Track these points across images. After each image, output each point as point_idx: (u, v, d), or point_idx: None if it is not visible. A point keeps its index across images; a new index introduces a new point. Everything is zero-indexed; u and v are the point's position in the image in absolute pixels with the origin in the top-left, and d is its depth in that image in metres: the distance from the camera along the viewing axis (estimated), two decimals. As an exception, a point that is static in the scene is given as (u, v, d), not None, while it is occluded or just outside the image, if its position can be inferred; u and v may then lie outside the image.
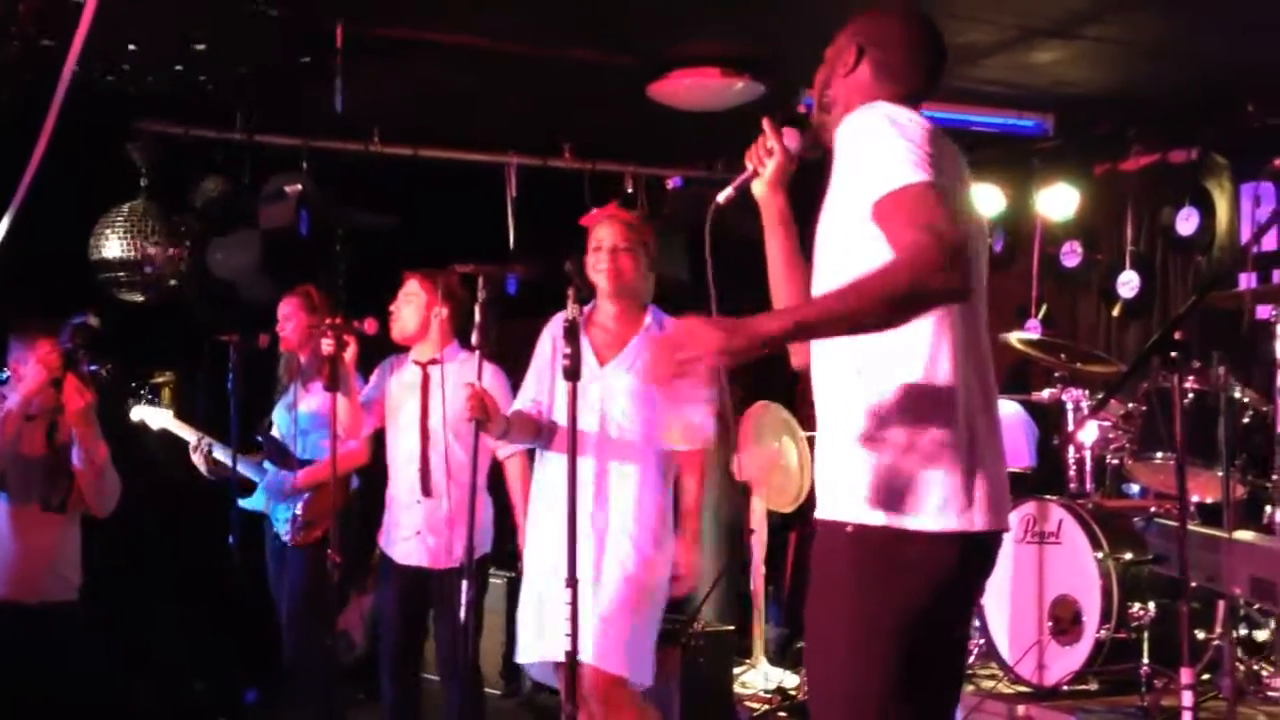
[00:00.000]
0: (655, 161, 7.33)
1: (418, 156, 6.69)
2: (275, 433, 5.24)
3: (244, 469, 5.18)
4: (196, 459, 5.26)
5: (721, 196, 2.63)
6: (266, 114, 6.25)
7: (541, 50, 5.49)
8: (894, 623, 2.28)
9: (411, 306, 4.63)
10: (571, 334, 3.42)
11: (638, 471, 3.78)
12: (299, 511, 5.05)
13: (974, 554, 2.34)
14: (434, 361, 4.58)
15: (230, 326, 5.15)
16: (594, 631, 3.63)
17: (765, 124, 2.64)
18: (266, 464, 5.23)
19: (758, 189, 2.63)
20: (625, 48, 5.52)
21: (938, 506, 2.28)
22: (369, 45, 5.25)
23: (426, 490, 4.52)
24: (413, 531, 4.55)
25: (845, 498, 2.35)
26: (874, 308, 2.14)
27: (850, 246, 2.32)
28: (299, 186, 6.04)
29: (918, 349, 2.32)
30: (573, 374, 3.42)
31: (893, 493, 2.30)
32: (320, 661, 4.92)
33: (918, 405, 2.30)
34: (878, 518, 2.30)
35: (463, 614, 3.80)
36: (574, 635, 3.31)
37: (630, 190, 7.29)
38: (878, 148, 2.26)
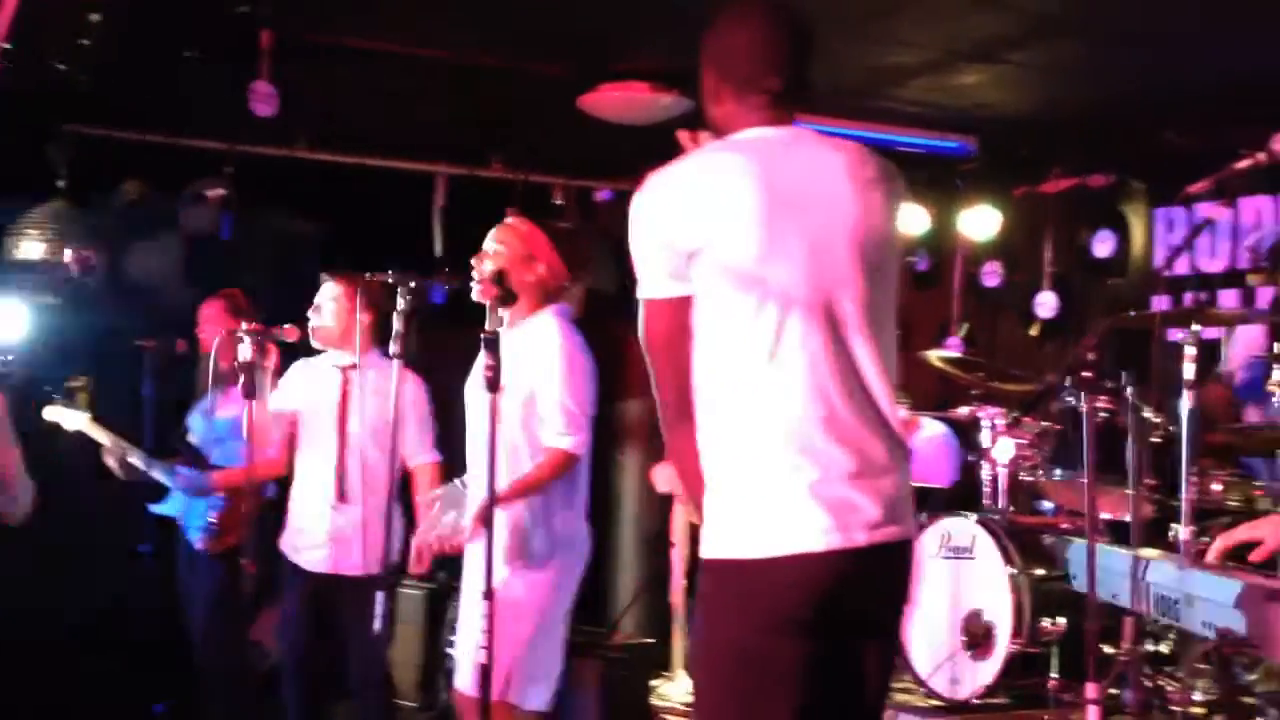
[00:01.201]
0: (585, 173, 7.35)
1: (345, 163, 6.65)
2: (192, 438, 5.18)
3: (158, 475, 5.12)
4: (111, 463, 5.18)
5: None
6: (191, 116, 6.17)
7: (473, 60, 5.49)
8: (738, 650, 2.32)
9: (332, 309, 4.60)
10: (492, 345, 3.40)
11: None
12: (213, 519, 5.00)
13: (824, 574, 2.30)
14: (354, 367, 4.55)
15: (148, 331, 5.09)
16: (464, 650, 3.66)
17: (681, 137, 2.66)
18: (180, 470, 5.17)
19: None
20: (557, 60, 5.54)
21: (766, 532, 2.31)
22: (297, 50, 5.21)
23: (343, 496, 4.49)
24: (326, 538, 4.51)
25: (703, 531, 2.42)
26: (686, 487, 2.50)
27: None
28: (222, 190, 5.98)
29: (715, 382, 2.38)
30: (493, 385, 3.40)
31: (725, 523, 2.36)
32: (232, 670, 4.87)
33: (744, 433, 2.35)
34: (717, 550, 2.36)
35: (378, 625, 3.76)
36: (489, 648, 3.30)
37: (560, 202, 7.29)
38: (630, 243, 2.45)
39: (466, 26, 5.18)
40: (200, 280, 5.83)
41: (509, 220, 3.92)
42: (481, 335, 3.43)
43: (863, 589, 2.37)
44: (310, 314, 4.62)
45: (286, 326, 4.62)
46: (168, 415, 5.18)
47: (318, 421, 4.59)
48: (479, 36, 5.30)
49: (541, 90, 5.77)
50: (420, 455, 4.61)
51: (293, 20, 5.06)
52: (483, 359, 3.40)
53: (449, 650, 5.37)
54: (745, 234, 2.33)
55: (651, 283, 2.41)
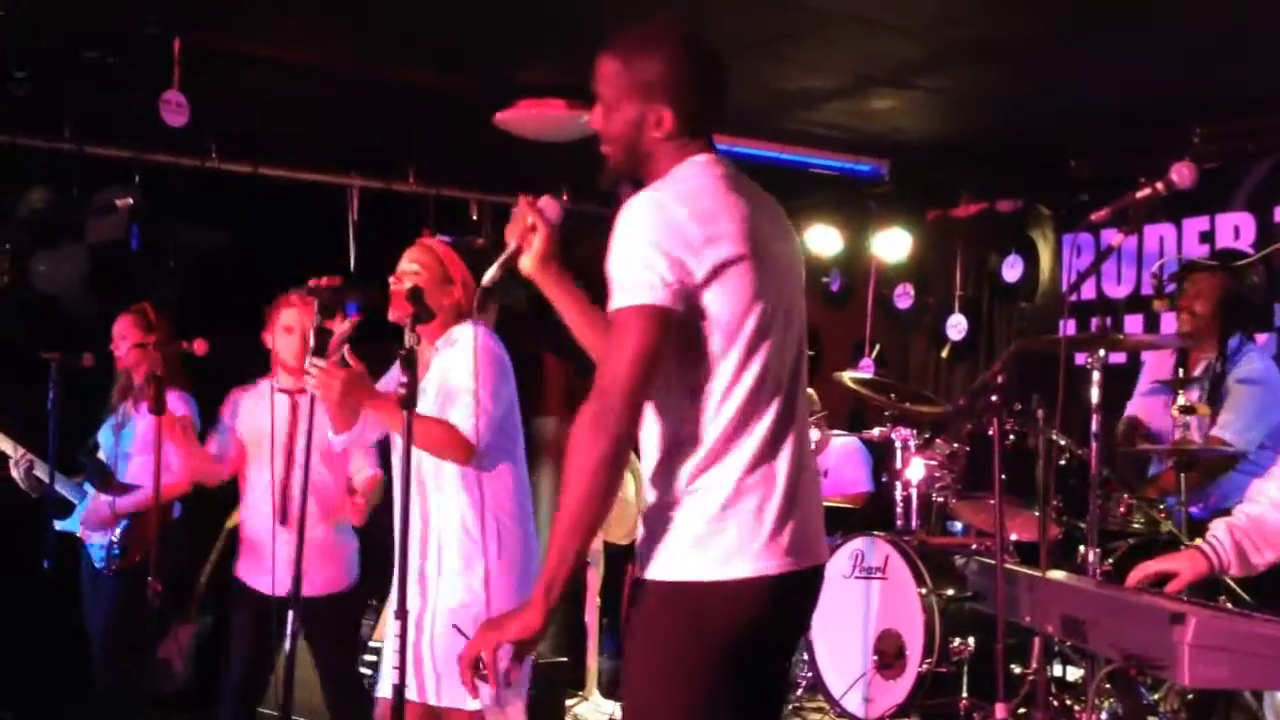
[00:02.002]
0: (500, 189, 7.32)
1: (257, 174, 6.56)
2: (101, 454, 5.08)
3: (63, 490, 5.00)
4: (16, 474, 5.04)
5: (487, 278, 2.66)
6: (98, 124, 6.05)
7: (388, 73, 5.45)
8: (697, 670, 2.33)
9: (296, 334, 4.53)
10: (408, 362, 3.36)
11: (438, 500, 3.71)
12: (116, 538, 4.90)
13: (774, 596, 2.36)
14: (301, 390, 4.48)
15: (53, 343, 4.97)
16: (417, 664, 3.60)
17: (522, 202, 2.64)
18: (87, 486, 5.06)
19: (525, 265, 2.63)
20: (472, 75, 5.52)
21: (729, 554, 2.33)
22: (210, 59, 5.13)
23: (285, 519, 4.46)
24: (280, 561, 4.45)
25: (653, 553, 2.41)
26: (584, 511, 2.30)
27: None
28: (130, 200, 5.86)
29: (692, 406, 2.37)
30: (409, 402, 3.37)
31: (685, 544, 2.36)
32: (133, 691, 4.77)
33: (700, 456, 2.36)
34: (677, 572, 2.36)
35: (287, 644, 3.69)
36: (401, 668, 3.25)
37: (475, 217, 7.27)
38: (620, 253, 2.33)
39: (381, 40, 5.15)
40: (107, 291, 5.70)
41: (424, 240, 3.89)
42: (397, 353, 3.40)
43: (793, 610, 2.46)
44: (284, 340, 4.53)
45: (195, 339, 4.55)
46: (72, 430, 5.05)
47: (266, 447, 4.52)
48: (394, 51, 5.26)
49: (456, 105, 5.75)
50: (365, 470, 4.59)
51: (205, 29, 4.98)
52: (397, 376, 3.37)
53: (363, 670, 5.32)
54: (752, 261, 2.35)
55: (651, 289, 2.27)
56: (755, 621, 2.36)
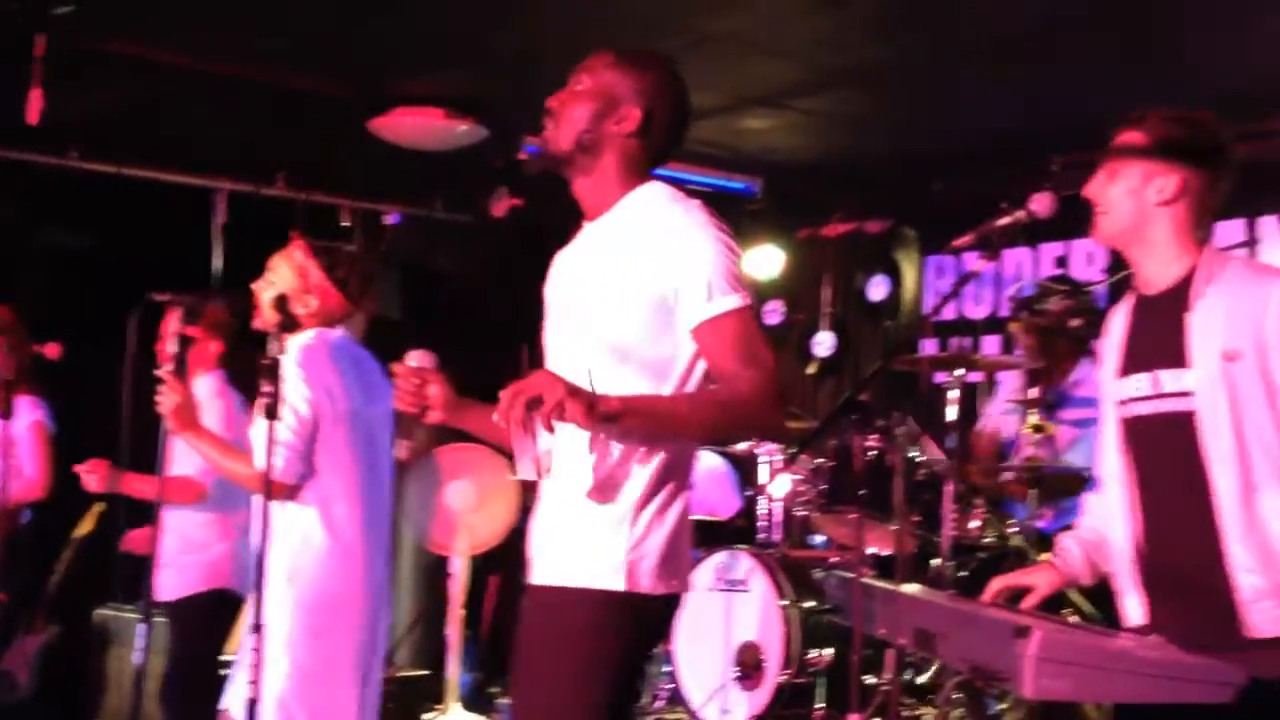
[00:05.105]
0: (373, 196, 7.25)
1: (120, 175, 6.39)
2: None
3: None
4: None
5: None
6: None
7: (259, 75, 5.37)
8: (619, 674, 2.40)
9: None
10: (271, 372, 3.31)
11: (281, 516, 3.61)
12: (-42, 543, 4.75)
13: (658, 617, 2.45)
14: None
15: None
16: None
17: (401, 371, 2.62)
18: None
19: (436, 417, 2.62)
20: (348, 80, 5.47)
21: (673, 571, 2.42)
22: (73, 55, 5.00)
23: None
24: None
25: (572, 562, 2.42)
26: (710, 432, 2.59)
27: (627, 328, 2.42)
28: (-15, 198, 5.68)
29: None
30: (273, 413, 3.31)
31: (637, 558, 2.39)
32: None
33: (668, 468, 2.44)
34: (621, 582, 2.38)
35: (137, 658, 3.59)
36: (256, 683, 3.19)
37: (346, 224, 7.18)
38: (694, 253, 2.43)
39: (254, 43, 5.07)
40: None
41: (292, 245, 3.82)
42: (260, 362, 3.34)
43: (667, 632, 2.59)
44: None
45: (48, 343, 4.43)
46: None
47: None
48: (267, 53, 5.19)
49: (330, 110, 5.68)
50: None
51: (70, 25, 4.86)
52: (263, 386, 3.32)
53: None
54: None
55: (746, 292, 2.47)
56: (658, 638, 2.51)
